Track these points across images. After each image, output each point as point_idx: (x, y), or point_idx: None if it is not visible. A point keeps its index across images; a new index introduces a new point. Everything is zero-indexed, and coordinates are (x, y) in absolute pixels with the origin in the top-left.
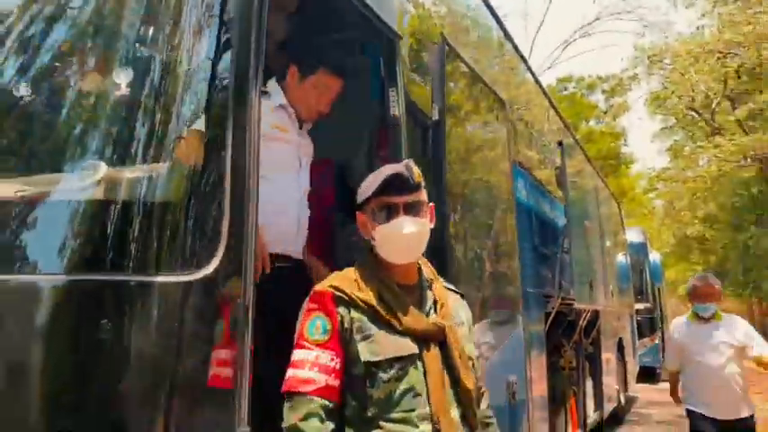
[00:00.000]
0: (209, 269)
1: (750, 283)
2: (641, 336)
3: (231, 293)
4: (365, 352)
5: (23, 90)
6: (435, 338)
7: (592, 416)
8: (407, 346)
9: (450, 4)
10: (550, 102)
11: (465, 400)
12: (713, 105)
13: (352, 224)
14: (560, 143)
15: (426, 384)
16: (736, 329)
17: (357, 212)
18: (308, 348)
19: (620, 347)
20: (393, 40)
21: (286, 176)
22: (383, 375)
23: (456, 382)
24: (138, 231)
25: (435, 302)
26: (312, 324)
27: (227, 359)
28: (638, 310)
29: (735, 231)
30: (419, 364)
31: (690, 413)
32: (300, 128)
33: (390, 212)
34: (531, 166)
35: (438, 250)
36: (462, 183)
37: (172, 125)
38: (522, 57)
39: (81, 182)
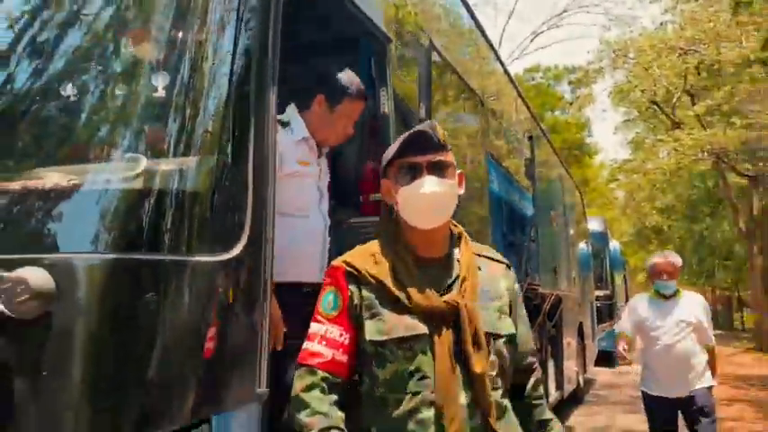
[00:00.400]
0: (236, 251)
1: (704, 273)
2: (600, 321)
3: (254, 271)
4: (371, 330)
5: (65, 89)
6: (448, 318)
7: (553, 395)
8: (415, 326)
9: (436, 9)
10: (522, 98)
11: (476, 385)
12: (674, 100)
13: (344, 212)
14: (530, 137)
15: (435, 367)
16: (694, 307)
17: (381, 180)
18: (321, 322)
19: (581, 332)
20: (383, 43)
21: (313, 209)
22: (389, 356)
23: (466, 365)
24: (179, 218)
25: (458, 278)
26: (325, 298)
27: (250, 328)
28: (597, 297)
29: (691, 222)
30: (428, 345)
31: (644, 394)
32: (320, 156)
33: (414, 173)
34: (503, 158)
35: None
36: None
37: (200, 123)
38: (498, 57)
39: (126, 173)
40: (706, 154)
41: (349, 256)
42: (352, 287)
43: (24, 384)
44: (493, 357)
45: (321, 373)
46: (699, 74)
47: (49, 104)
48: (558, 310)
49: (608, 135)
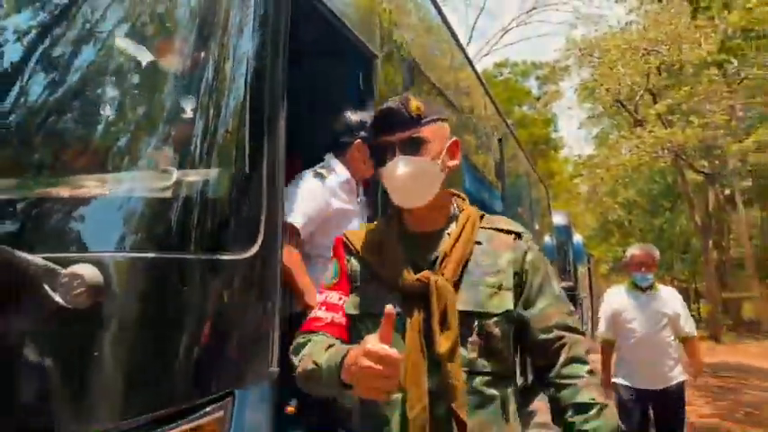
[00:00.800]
0: (253, 250)
1: (664, 265)
2: None
3: (267, 268)
4: (351, 303)
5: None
6: (420, 295)
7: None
8: (386, 303)
9: (418, 28)
10: (494, 103)
11: (441, 369)
12: (637, 98)
13: None
14: (500, 139)
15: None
16: (671, 301)
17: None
18: (321, 293)
19: None
20: (371, 58)
21: None
22: (364, 331)
23: (431, 346)
24: (205, 223)
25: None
26: (329, 271)
27: (264, 315)
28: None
29: (651, 217)
30: (400, 324)
31: (617, 386)
32: (358, 195)
33: (387, 153)
34: (476, 161)
35: None
36: None
37: (220, 138)
38: (474, 70)
39: (160, 183)
40: (666, 152)
41: (353, 230)
42: (348, 256)
43: (78, 362)
44: (474, 338)
45: (319, 334)
46: (660, 74)
47: (88, 119)
48: None
49: (573, 130)
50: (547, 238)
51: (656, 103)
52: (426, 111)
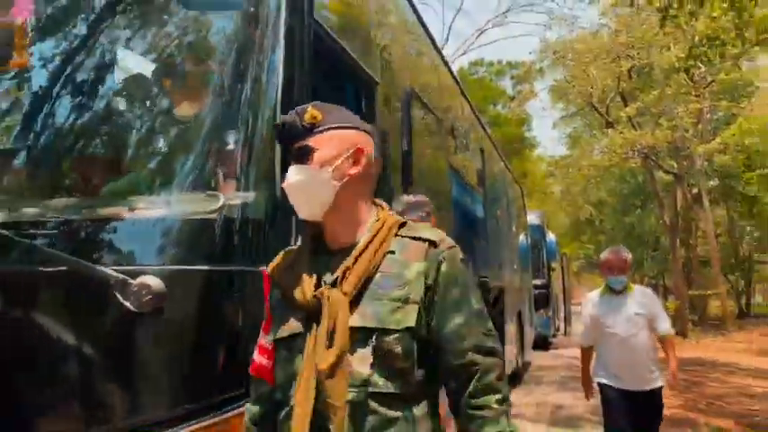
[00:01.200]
0: None
1: (634, 263)
2: (537, 308)
3: None
4: (272, 332)
5: (157, 142)
6: (318, 313)
7: None
8: (295, 325)
9: (415, 58)
10: (477, 117)
11: (323, 387)
12: (608, 101)
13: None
14: (482, 149)
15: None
16: (646, 301)
17: None
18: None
19: (520, 318)
20: (372, 85)
21: None
22: (279, 358)
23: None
24: (246, 239)
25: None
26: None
27: None
28: (535, 286)
29: (622, 215)
30: (304, 343)
31: (601, 386)
32: None
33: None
34: (461, 170)
35: None
36: (423, 189)
37: (254, 166)
38: (463, 93)
39: (209, 206)
40: (636, 153)
41: (274, 260)
42: (271, 289)
43: (145, 355)
44: (365, 353)
45: (254, 382)
46: (631, 77)
47: (148, 150)
48: (502, 300)
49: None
50: (522, 237)
51: (626, 105)
52: (325, 119)
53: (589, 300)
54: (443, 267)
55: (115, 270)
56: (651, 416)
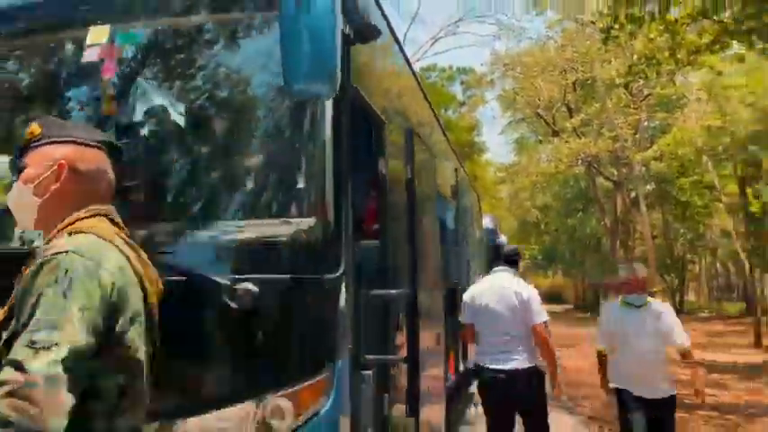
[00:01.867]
0: (339, 271)
1: (576, 262)
2: None
3: (348, 286)
4: None
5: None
6: None
7: (462, 366)
8: None
9: (413, 103)
10: (449, 143)
11: None
12: (554, 110)
13: None
14: (456, 170)
15: None
16: (663, 315)
17: None
18: None
19: None
20: (380, 126)
21: None
22: None
23: None
24: (311, 256)
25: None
26: None
27: (344, 314)
28: None
29: (565, 218)
30: None
31: (618, 391)
32: None
33: None
34: (443, 190)
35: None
36: (420, 210)
37: (312, 195)
38: (443, 130)
39: (279, 230)
40: (580, 161)
41: None
42: None
43: (243, 346)
44: None
45: None
46: (575, 90)
47: (236, 182)
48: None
49: (494, 136)
50: (482, 241)
51: (571, 116)
52: (42, 134)
53: (607, 310)
54: (21, 284)
55: (224, 278)
56: (663, 421)
